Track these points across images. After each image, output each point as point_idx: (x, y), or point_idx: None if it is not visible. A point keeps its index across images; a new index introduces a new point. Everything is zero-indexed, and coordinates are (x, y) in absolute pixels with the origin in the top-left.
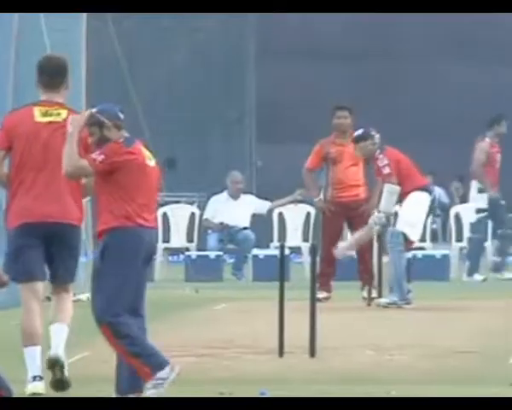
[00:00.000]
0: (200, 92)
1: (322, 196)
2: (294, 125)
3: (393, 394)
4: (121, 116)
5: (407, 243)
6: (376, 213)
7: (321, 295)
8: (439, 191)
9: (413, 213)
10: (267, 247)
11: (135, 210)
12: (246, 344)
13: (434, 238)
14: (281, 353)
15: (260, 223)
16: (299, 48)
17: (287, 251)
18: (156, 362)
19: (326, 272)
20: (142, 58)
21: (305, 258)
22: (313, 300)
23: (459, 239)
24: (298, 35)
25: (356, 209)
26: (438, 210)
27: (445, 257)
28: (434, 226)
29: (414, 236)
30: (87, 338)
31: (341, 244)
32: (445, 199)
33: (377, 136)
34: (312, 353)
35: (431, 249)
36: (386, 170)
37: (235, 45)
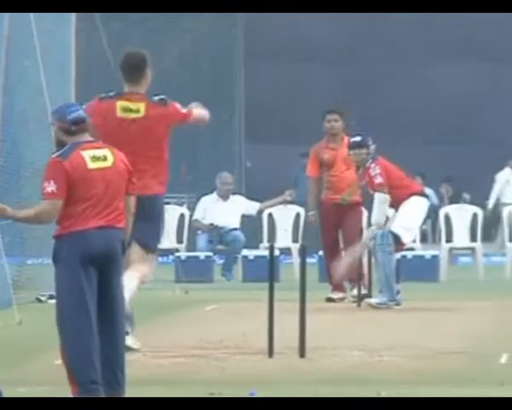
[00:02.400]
0: (188, 93)
1: (314, 212)
2: (283, 126)
3: (383, 394)
4: (69, 118)
5: (398, 244)
6: (368, 230)
7: (336, 296)
8: (428, 193)
9: (410, 217)
10: (257, 248)
11: (75, 216)
12: (236, 345)
13: (424, 239)
14: (270, 353)
15: (250, 224)
16: (288, 49)
17: (276, 252)
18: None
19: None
20: None
21: (295, 259)
22: (303, 300)
23: (449, 240)
24: (286, 36)
25: (348, 211)
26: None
27: (435, 258)
28: (424, 227)
29: (407, 239)
30: None
31: (339, 268)
32: (434, 200)
33: (373, 147)
34: (302, 353)
35: (420, 250)
36: (378, 179)
37: (224, 47)
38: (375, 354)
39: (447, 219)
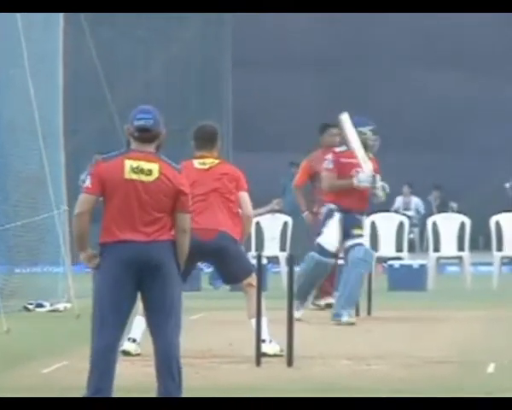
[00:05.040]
0: (176, 102)
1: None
2: (271, 134)
3: None
4: (135, 123)
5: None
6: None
7: (327, 301)
8: (415, 201)
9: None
10: None
11: (113, 227)
12: (223, 354)
13: (412, 248)
14: (258, 362)
15: None
16: (275, 58)
17: (264, 261)
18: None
19: (324, 283)
20: (120, 68)
21: (283, 267)
22: (290, 309)
23: (436, 249)
24: (274, 45)
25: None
26: (415, 220)
27: (423, 267)
28: (412, 236)
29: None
30: (65, 347)
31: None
32: (421, 209)
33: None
34: (290, 362)
35: (408, 259)
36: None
37: (212, 55)
38: (362, 362)
39: (435, 228)
